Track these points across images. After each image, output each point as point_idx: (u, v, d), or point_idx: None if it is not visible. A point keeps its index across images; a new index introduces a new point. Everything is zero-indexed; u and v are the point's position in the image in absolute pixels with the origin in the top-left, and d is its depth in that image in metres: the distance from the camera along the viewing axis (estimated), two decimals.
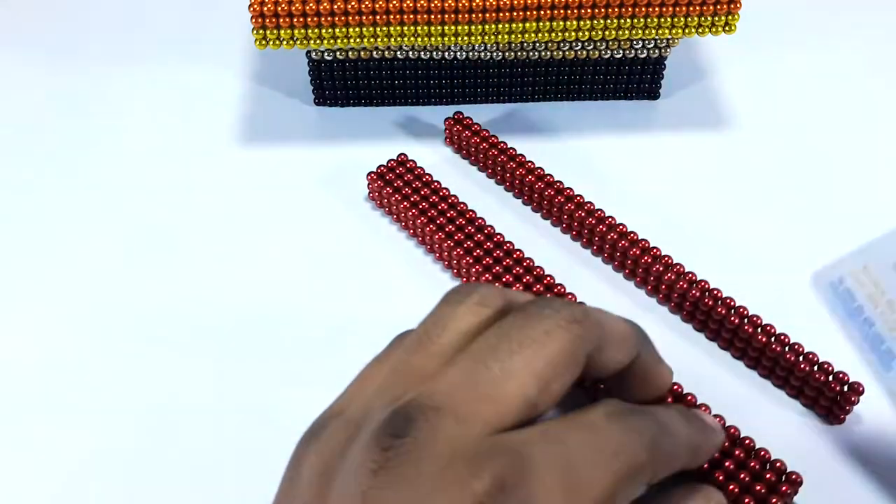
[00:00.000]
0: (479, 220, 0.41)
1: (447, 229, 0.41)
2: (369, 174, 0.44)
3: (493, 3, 0.41)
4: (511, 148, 0.45)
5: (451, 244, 0.40)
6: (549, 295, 0.38)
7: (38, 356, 0.38)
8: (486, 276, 0.39)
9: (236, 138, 0.48)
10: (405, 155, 0.44)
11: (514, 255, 0.40)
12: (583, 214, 0.42)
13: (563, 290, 0.38)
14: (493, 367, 0.21)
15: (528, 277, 0.39)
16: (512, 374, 0.21)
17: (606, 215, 0.42)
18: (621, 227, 0.41)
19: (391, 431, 0.20)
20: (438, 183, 0.43)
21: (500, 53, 0.47)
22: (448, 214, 0.41)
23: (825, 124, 0.49)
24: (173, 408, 0.36)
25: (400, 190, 0.43)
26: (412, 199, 0.42)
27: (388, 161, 0.44)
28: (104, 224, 0.44)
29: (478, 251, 0.40)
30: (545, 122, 0.49)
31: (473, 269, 0.39)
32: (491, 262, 0.39)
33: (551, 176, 0.43)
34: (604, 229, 0.41)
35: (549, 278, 0.39)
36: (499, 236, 0.40)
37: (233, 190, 0.45)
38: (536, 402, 0.21)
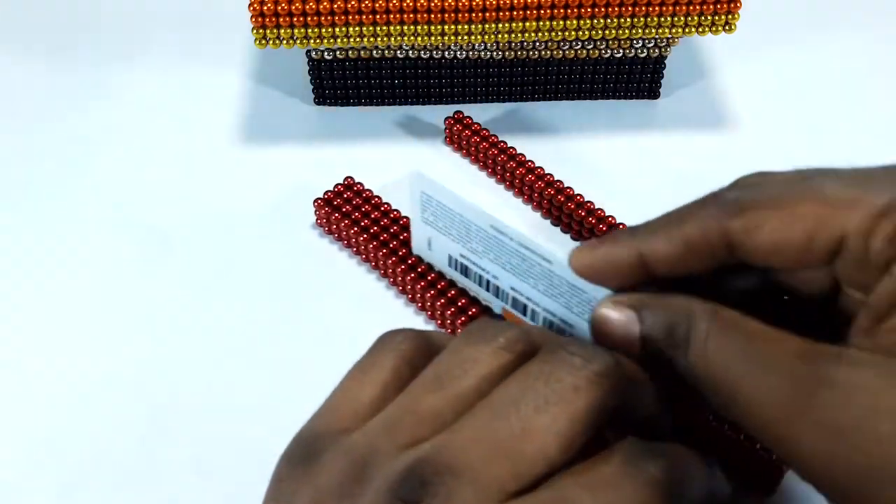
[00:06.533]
0: None
1: (401, 253, 0.39)
2: (316, 200, 0.42)
3: (493, 2, 0.41)
4: (511, 147, 0.45)
5: (405, 269, 0.39)
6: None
7: (37, 355, 0.38)
8: (441, 300, 0.38)
9: (236, 138, 0.48)
10: (352, 178, 0.43)
11: None
12: (583, 214, 0.42)
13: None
14: (515, 425, 0.20)
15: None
16: (535, 433, 0.20)
17: (607, 214, 0.42)
18: (622, 226, 0.41)
19: (404, 496, 0.19)
20: (388, 205, 0.42)
21: (500, 53, 0.47)
22: (402, 237, 0.40)
23: (825, 124, 0.49)
24: (171, 408, 0.36)
25: (349, 215, 0.41)
26: (362, 224, 0.40)
27: (335, 185, 0.43)
28: (103, 223, 0.44)
29: (431, 275, 0.38)
30: (545, 121, 0.49)
31: (428, 294, 0.38)
32: (445, 285, 0.38)
33: (551, 175, 0.43)
34: (604, 229, 0.41)
35: None
36: None
37: (232, 189, 0.45)
38: (557, 461, 0.20)
